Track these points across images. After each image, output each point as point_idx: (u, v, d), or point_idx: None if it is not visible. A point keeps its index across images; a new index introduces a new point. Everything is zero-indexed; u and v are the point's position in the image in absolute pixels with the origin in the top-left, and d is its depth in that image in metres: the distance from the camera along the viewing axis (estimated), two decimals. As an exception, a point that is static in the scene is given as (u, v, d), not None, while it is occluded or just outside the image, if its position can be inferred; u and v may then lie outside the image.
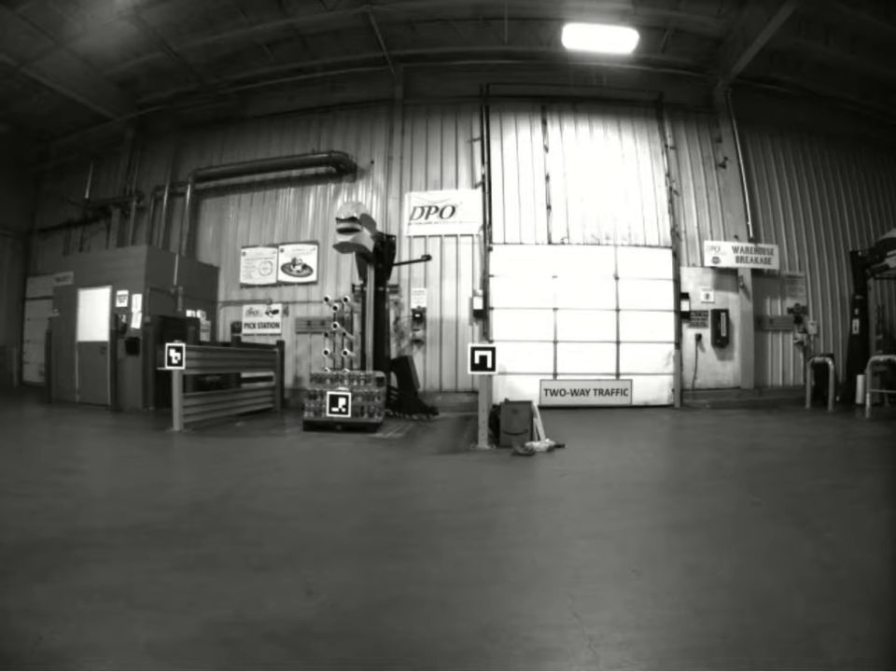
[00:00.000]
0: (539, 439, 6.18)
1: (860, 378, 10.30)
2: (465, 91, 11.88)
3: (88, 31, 10.59)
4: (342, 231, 7.94)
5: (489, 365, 6.21)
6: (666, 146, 12.07)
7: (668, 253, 11.48)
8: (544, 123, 11.95)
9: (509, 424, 6.28)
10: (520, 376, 10.59)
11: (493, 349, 6.26)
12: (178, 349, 7.37)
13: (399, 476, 5.05)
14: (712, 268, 11.56)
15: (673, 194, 11.84)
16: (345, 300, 9.99)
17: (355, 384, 7.77)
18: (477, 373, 6.34)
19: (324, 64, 11.90)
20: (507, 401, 6.61)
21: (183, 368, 7.37)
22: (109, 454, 6.13)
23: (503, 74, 11.89)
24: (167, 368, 7.42)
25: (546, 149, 11.79)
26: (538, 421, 6.38)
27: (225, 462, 5.59)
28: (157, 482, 4.61)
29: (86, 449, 6.39)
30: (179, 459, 5.95)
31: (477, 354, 6.24)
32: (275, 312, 11.70)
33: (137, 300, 10.38)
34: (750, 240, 11.80)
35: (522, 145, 11.80)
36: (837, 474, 4.95)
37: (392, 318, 10.64)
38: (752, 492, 4.19)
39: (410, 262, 10.67)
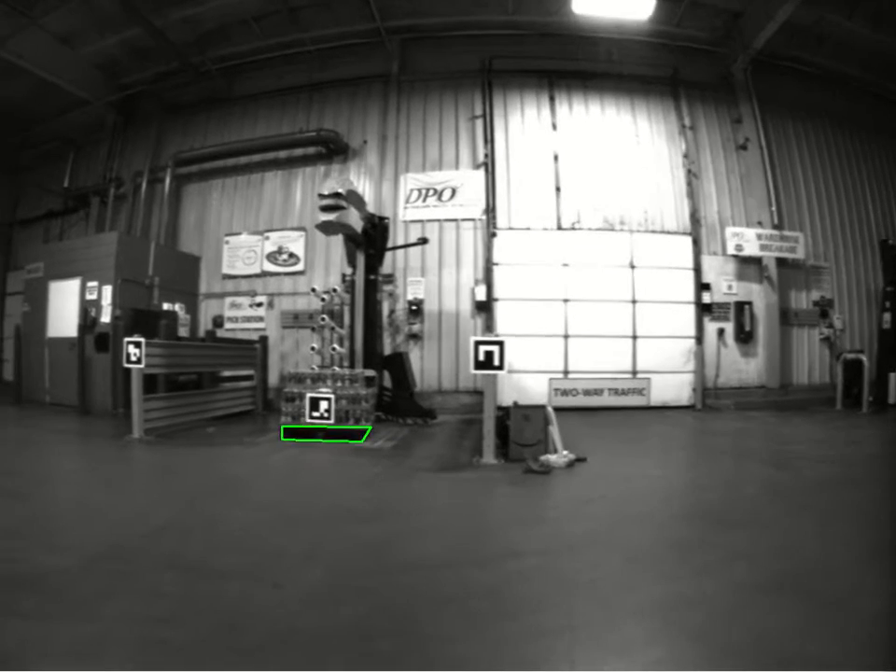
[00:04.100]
0: (555, 451, 5.12)
1: (892, 376, 9.62)
2: (466, 66, 11.00)
3: (63, 5, 9.94)
4: (325, 209, 7.12)
5: (496, 362, 5.14)
6: (683, 125, 11.17)
7: (688, 240, 10.57)
8: (552, 100, 11.03)
9: (519, 433, 5.23)
10: (527, 374, 9.67)
11: (500, 343, 5.17)
12: (137, 345, 6.51)
13: (383, 504, 3.96)
14: (734, 256, 10.66)
15: (692, 177, 10.93)
16: (334, 290, 9.19)
17: (339, 384, 6.94)
18: (481, 373, 5.29)
19: (314, 38, 11.07)
20: (517, 405, 5.55)
21: (142, 366, 6.52)
22: (44, 468, 5.23)
23: (507, 47, 11.01)
24: (126, 365, 6.61)
25: (554, 127, 10.88)
26: (554, 429, 5.28)
27: (176, 481, 4.78)
28: (81, 509, 3.82)
29: (20, 462, 5.50)
30: (123, 477, 5.05)
31: (481, 349, 5.17)
32: (260, 304, 10.86)
33: (108, 291, 9.59)
34: (774, 227, 10.91)
35: (528, 122, 10.91)
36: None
37: (386, 311, 9.84)
38: (843, 522, 3.24)
39: (405, 246, 9.79)
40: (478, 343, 5.23)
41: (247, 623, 2.11)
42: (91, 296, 9.74)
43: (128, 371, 6.82)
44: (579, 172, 10.65)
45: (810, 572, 2.55)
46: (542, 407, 5.45)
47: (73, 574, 2.56)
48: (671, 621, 2.12)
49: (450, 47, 11.09)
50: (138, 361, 6.50)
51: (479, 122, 10.78)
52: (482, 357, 5.18)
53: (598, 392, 9.97)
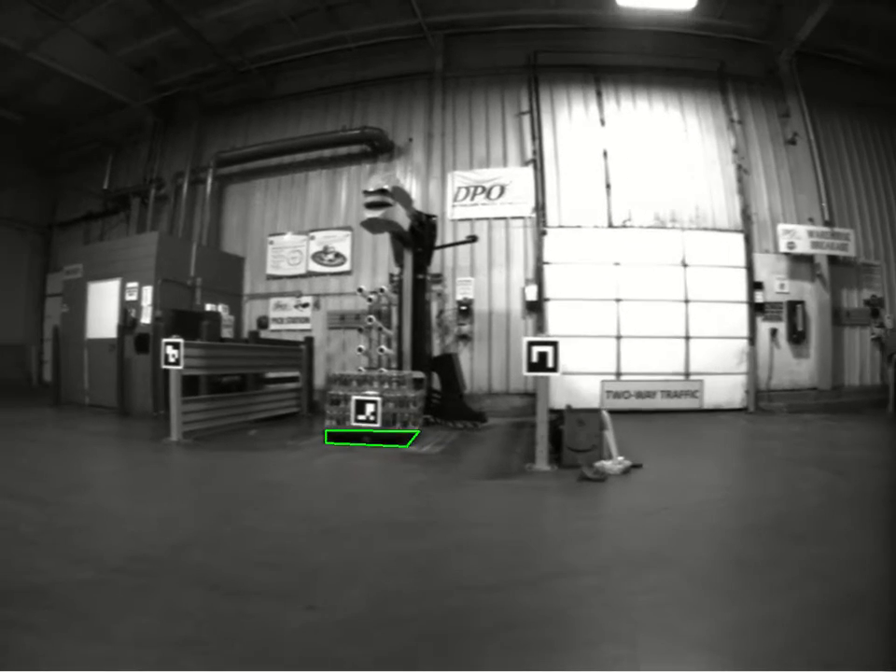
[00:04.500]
0: (610, 457, 4.85)
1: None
2: (510, 62, 10.74)
3: (95, 8, 9.85)
4: (370, 206, 6.85)
5: (550, 364, 4.88)
6: (732, 120, 10.83)
7: (739, 237, 10.23)
8: (599, 95, 10.74)
9: (573, 438, 4.98)
10: (579, 376, 9.38)
11: (554, 344, 4.93)
12: (176, 346, 6.32)
13: (430, 515, 3.68)
14: (786, 254, 10.30)
15: (742, 172, 10.59)
16: (382, 290, 8.92)
17: (386, 386, 6.64)
18: (534, 375, 5.04)
19: (354, 35, 10.85)
20: (570, 409, 5.27)
21: (181, 367, 6.33)
22: (73, 472, 5.06)
23: (551, 41, 10.74)
24: (164, 367, 6.43)
25: (602, 123, 10.57)
26: (609, 434, 5.02)
27: (211, 487, 4.58)
28: (107, 516, 3.61)
29: (54, 464, 5.30)
30: (156, 482, 4.85)
31: (534, 350, 4.93)
32: (305, 305, 10.65)
33: (148, 292, 9.44)
34: (825, 223, 10.53)
35: (576, 118, 10.59)
36: None
37: (435, 311, 9.53)
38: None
39: (453, 244, 9.48)
40: (531, 344, 4.97)
41: (275, 650, 1.91)
42: (130, 297, 9.60)
43: (168, 372, 6.65)
44: (628, 168, 10.33)
45: (890, 591, 2.35)
46: (597, 411, 5.21)
47: (89, 587, 2.40)
48: (743, 653, 1.89)
49: (494, 42, 10.84)
50: (176, 363, 6.31)
51: (526, 118, 10.49)
52: (535, 359, 4.93)
53: (651, 394, 9.64)
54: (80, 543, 2.97)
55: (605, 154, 10.38)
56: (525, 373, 4.99)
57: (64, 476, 4.75)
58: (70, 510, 3.65)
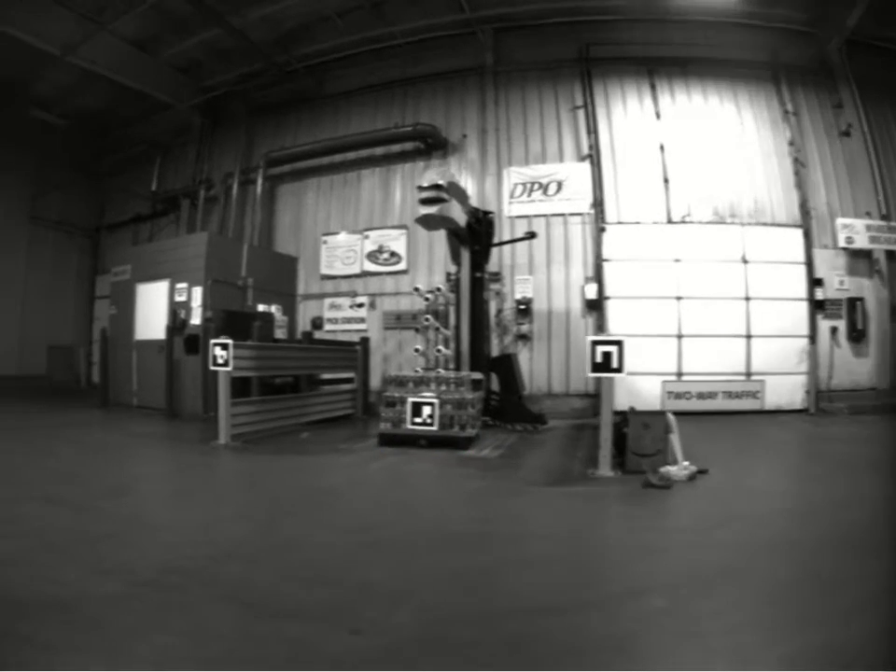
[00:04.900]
0: (675, 461, 4.57)
1: None
2: (562, 55, 10.49)
3: (133, 10, 9.81)
4: (425, 202, 6.68)
5: (615, 364, 4.65)
6: (786, 111, 10.50)
7: (798, 232, 9.89)
8: (653, 88, 10.46)
9: (638, 442, 4.71)
10: (639, 377, 9.13)
11: (619, 343, 4.69)
12: (224, 346, 6.15)
13: (488, 526, 3.43)
14: (844, 250, 9.97)
15: (798, 166, 10.28)
16: (439, 289, 8.75)
17: (444, 388, 6.44)
18: (599, 375, 4.82)
19: (401, 31, 10.69)
20: (634, 411, 5.04)
21: (230, 369, 6.15)
22: (113, 476, 4.91)
23: (602, 34, 10.48)
24: (213, 368, 6.25)
25: (658, 116, 10.29)
26: (674, 438, 4.73)
27: (257, 493, 4.40)
28: (143, 524, 3.45)
29: (95, 467, 5.17)
30: (199, 487, 4.69)
31: (599, 350, 4.70)
32: (361, 305, 10.50)
33: (197, 293, 9.32)
34: (882, 217, 10.21)
35: (631, 112, 10.32)
36: None
37: (493, 310, 9.29)
38: None
39: (512, 241, 9.26)
40: (595, 344, 4.73)
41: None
42: (180, 298, 9.51)
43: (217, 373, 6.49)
44: (686, 162, 10.02)
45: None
46: (662, 413, 4.91)
47: (114, 602, 2.24)
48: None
49: (543, 35, 10.59)
50: (225, 364, 6.14)
51: (580, 113, 10.23)
52: (599, 359, 4.69)
53: (712, 395, 9.36)
54: (111, 553, 2.82)
55: (661, 148, 10.10)
56: (589, 374, 4.78)
57: (104, 480, 4.63)
58: (105, 516, 3.52)
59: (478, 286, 7.99)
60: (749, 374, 9.47)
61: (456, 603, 2.29)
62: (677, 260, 9.54)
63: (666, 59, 10.55)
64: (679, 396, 9.32)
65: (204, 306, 9.22)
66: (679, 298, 9.45)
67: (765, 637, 1.98)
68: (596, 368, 4.71)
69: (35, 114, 12.35)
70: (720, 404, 9.33)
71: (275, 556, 2.83)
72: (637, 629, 2.07)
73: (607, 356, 4.69)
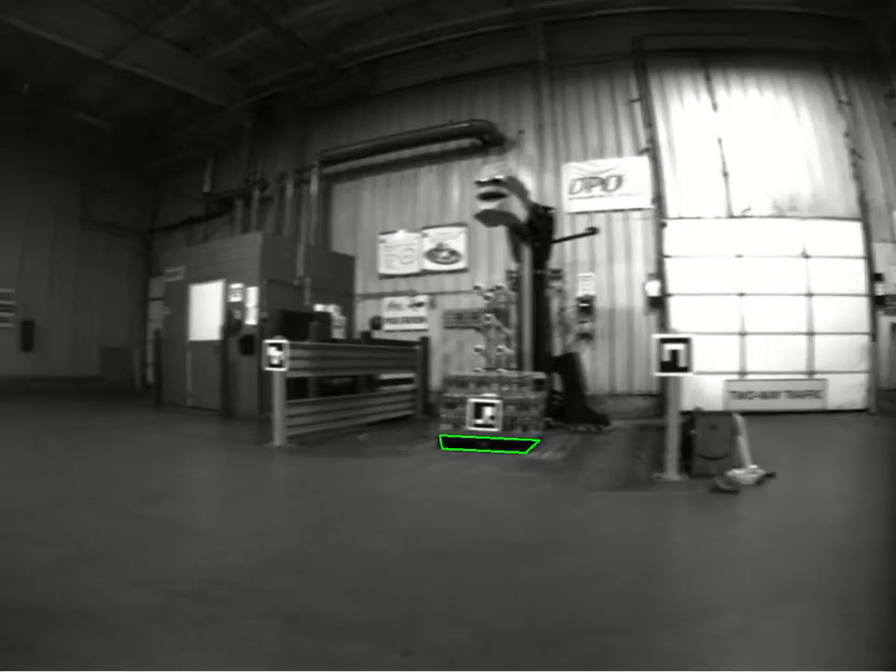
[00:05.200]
0: (741, 465, 4.37)
1: None
2: (615, 48, 10.26)
3: (175, 13, 9.81)
4: (484, 198, 6.49)
5: (683, 363, 4.44)
6: (840, 101, 10.22)
7: (857, 226, 9.61)
8: (708, 80, 10.22)
9: (705, 445, 4.51)
10: (702, 376, 8.93)
11: (687, 340, 4.48)
12: (279, 347, 6.05)
13: (551, 534, 3.27)
14: (902, 244, 9.76)
15: (856, 157, 10.03)
16: (499, 287, 8.59)
17: (506, 388, 6.27)
18: (666, 375, 4.60)
19: (452, 27, 10.51)
20: (700, 412, 4.81)
21: (285, 369, 6.05)
22: (165, 478, 4.83)
23: (654, 25, 10.24)
24: (267, 369, 6.16)
25: (714, 108, 10.06)
26: (742, 440, 4.53)
27: (310, 497, 4.25)
28: (187, 530, 3.33)
29: (143, 470, 5.10)
30: (250, 490, 4.54)
31: (666, 348, 4.50)
32: (420, 304, 10.41)
33: (253, 293, 9.25)
34: (939, 210, 9.98)
35: (687, 104, 10.07)
36: None
37: (555, 309, 9.16)
38: None
39: (572, 238, 9.08)
40: (662, 342, 4.53)
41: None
42: (234, 298, 9.45)
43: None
44: (744, 155, 9.75)
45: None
46: (729, 414, 4.72)
47: (148, 614, 2.13)
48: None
49: (596, 28, 10.37)
50: (280, 365, 6.03)
51: (637, 106, 10.01)
52: (666, 358, 4.47)
53: (775, 395, 9.14)
54: (151, 561, 2.71)
55: (719, 141, 9.90)
56: (656, 374, 4.60)
57: (152, 483, 4.53)
58: (149, 521, 3.41)
59: (539, 283, 7.85)
60: (811, 373, 9.27)
61: (516, 620, 2.15)
62: (738, 256, 9.33)
63: (719, 50, 10.31)
64: (741, 395, 9.12)
65: (260, 306, 9.16)
66: (741, 294, 9.25)
67: (847, 661, 1.84)
68: (664, 367, 4.51)
69: (81, 118, 12.43)
70: (782, 404, 9.11)
71: (325, 567, 2.70)
72: (709, 649, 1.93)
73: (674, 354, 4.48)
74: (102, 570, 2.55)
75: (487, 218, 7.01)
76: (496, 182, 6.45)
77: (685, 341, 4.51)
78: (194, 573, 2.54)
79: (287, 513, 3.87)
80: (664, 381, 8.67)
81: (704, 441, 4.50)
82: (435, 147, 10.82)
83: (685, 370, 4.47)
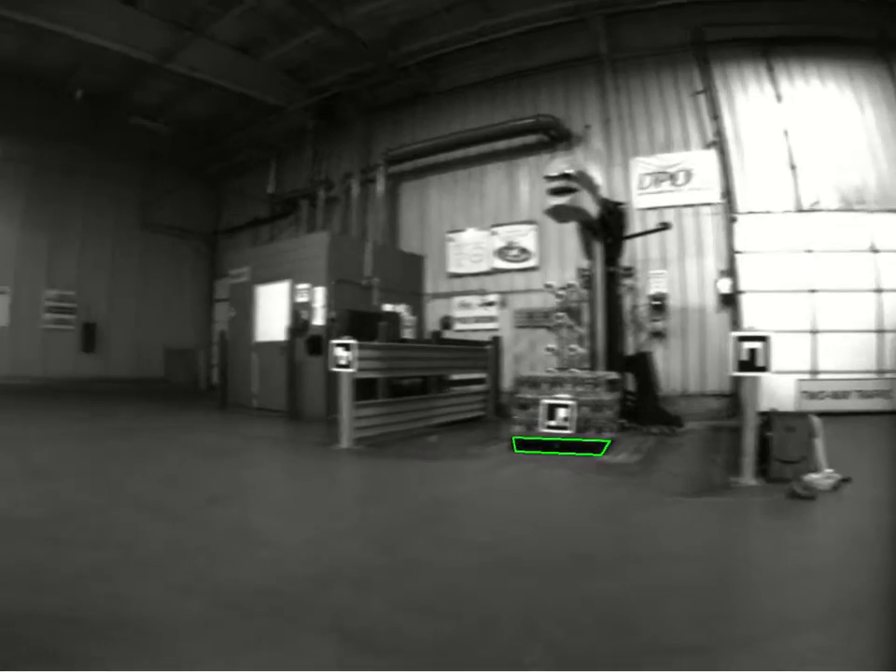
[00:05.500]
0: (818, 469, 4.25)
1: None
2: (675, 39, 10.09)
3: (227, 15, 9.83)
4: (554, 193, 6.35)
5: (761, 363, 4.31)
6: (900, 89, 10.08)
7: (925, 219, 9.52)
8: (770, 70, 10.03)
9: (782, 447, 4.38)
10: (775, 375, 8.84)
11: (766, 339, 4.35)
12: (347, 347, 5.98)
13: (626, 544, 3.14)
14: (968, 238, 9.53)
15: (921, 147, 9.86)
16: (571, 286, 8.57)
17: (579, 389, 6.16)
18: (744, 375, 4.46)
19: (510, 22, 10.38)
20: (776, 413, 4.66)
21: (353, 370, 5.97)
22: (225, 481, 4.73)
23: (713, 15, 10.07)
24: (334, 370, 6.11)
25: (778, 99, 9.90)
26: (819, 443, 4.38)
27: (376, 503, 4.16)
28: (242, 535, 3.21)
29: (204, 472, 5.05)
30: (314, 495, 4.45)
31: (744, 346, 4.38)
32: (491, 304, 10.39)
33: (320, 293, 9.24)
34: None
35: (751, 95, 9.89)
36: None
37: (628, 307, 9.05)
38: None
39: (644, 234, 8.93)
40: (740, 340, 4.42)
41: None
42: (301, 298, 9.47)
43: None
44: (810, 147, 9.61)
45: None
46: (806, 415, 4.57)
47: (191, 627, 2.00)
48: None
49: (655, 19, 10.20)
50: (347, 365, 5.97)
51: (701, 98, 9.86)
52: (744, 357, 4.35)
53: (845, 395, 8.96)
54: (201, 569, 2.59)
55: (785, 133, 9.75)
56: (734, 373, 4.50)
57: (211, 486, 4.46)
58: (204, 526, 3.32)
59: (612, 280, 7.75)
60: (881, 372, 9.13)
61: (591, 640, 2.04)
62: (808, 251, 9.20)
63: (779, 39, 10.10)
64: (812, 395, 8.98)
65: (328, 306, 9.17)
66: (812, 291, 9.13)
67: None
68: (742, 366, 4.40)
69: (138, 122, 12.60)
70: (853, 404, 8.94)
71: (388, 579, 2.55)
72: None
73: (752, 353, 4.37)
74: (146, 577, 2.47)
75: (558, 214, 6.89)
76: (566, 176, 6.32)
77: (763, 339, 4.40)
78: (246, 582, 2.43)
79: (350, 520, 3.72)
80: (737, 381, 8.61)
81: (780, 444, 4.40)
82: (501, 144, 10.75)
83: (763, 369, 4.37)
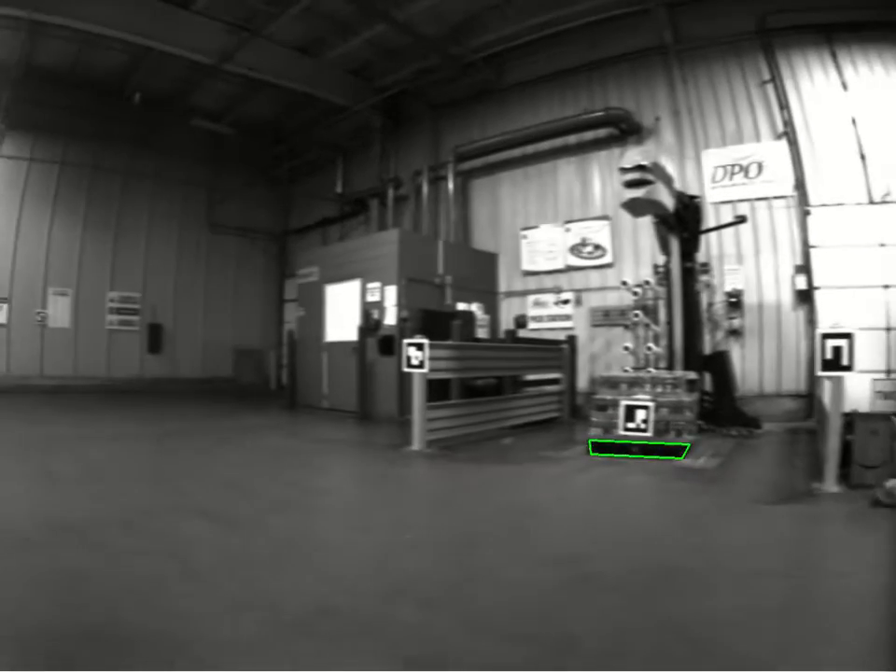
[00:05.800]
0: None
1: None
2: (739, 28, 9.94)
3: (284, 14, 9.81)
4: (629, 185, 6.29)
5: (845, 361, 4.24)
6: (966, 76, 9.86)
7: None
8: (834, 56, 9.90)
9: (864, 452, 4.24)
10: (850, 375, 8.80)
11: (850, 336, 4.30)
12: (419, 347, 5.94)
13: (710, 556, 2.98)
14: None
15: None
16: (647, 283, 8.59)
17: (658, 389, 6.12)
18: (830, 374, 4.39)
19: (573, 13, 10.24)
20: (859, 415, 4.55)
21: (425, 370, 5.93)
22: (291, 487, 4.59)
23: (775, 2, 9.92)
24: (406, 370, 6.09)
25: (845, 87, 9.79)
26: None
27: (447, 510, 4.03)
28: (303, 546, 3.09)
29: (269, 477, 4.96)
30: (383, 501, 4.31)
31: (829, 344, 4.31)
32: (566, 302, 10.40)
33: (391, 292, 9.32)
34: None
35: (817, 83, 9.77)
36: None
37: (704, 304, 9.04)
38: None
39: (720, 227, 8.91)
40: (825, 337, 4.38)
41: None
42: (372, 297, 9.55)
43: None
44: (879, 136, 9.50)
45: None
46: (888, 417, 4.46)
47: (243, 647, 1.86)
48: None
49: (717, 8, 10.09)
50: (420, 365, 5.92)
51: (769, 88, 9.76)
52: (829, 355, 4.29)
53: (919, 395, 9.02)
54: (257, 582, 2.46)
55: (853, 121, 9.62)
56: (821, 374, 4.47)
57: (276, 492, 4.35)
58: (264, 535, 3.20)
59: (689, 277, 7.71)
60: (952, 371, 9.05)
61: (678, 664, 1.86)
62: (882, 245, 9.12)
63: (842, 24, 9.91)
64: (888, 396, 8.94)
65: (399, 306, 9.22)
66: (885, 286, 9.05)
67: None
68: (828, 365, 4.36)
69: (199, 124, 12.65)
70: (923, 404, 8.97)
71: (458, 596, 2.39)
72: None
73: (836, 351, 4.32)
74: (199, 590, 2.34)
75: (634, 208, 6.82)
76: (641, 168, 6.25)
77: (847, 336, 4.35)
78: (304, 598, 2.29)
79: (420, 529, 3.57)
80: (813, 381, 8.61)
81: (862, 448, 4.27)
82: (572, 139, 10.70)
83: (848, 368, 4.31)
